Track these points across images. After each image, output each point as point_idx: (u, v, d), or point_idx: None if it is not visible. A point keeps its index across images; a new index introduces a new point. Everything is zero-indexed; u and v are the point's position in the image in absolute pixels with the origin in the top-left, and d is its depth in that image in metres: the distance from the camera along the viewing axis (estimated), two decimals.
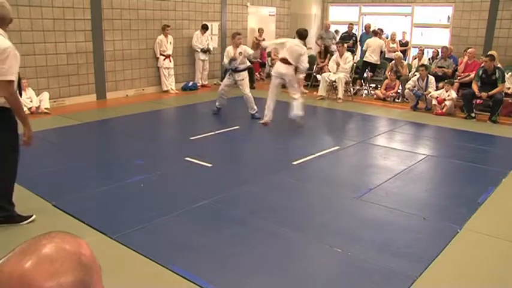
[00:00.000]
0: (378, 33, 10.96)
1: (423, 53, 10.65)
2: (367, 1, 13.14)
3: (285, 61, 7.05)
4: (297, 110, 7.18)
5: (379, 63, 10.67)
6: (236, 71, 7.68)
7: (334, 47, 10.87)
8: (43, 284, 0.70)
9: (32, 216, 3.71)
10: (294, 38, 7.29)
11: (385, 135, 7.06)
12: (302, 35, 7.21)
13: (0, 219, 3.58)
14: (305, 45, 7.50)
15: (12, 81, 3.23)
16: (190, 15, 10.63)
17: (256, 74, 11.82)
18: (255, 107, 7.73)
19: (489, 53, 8.62)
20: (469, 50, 9.27)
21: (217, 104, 7.96)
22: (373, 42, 10.73)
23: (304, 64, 7.07)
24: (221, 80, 11.27)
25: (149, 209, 4.00)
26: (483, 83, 8.08)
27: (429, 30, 12.98)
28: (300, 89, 7.31)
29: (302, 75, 7.49)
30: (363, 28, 12.59)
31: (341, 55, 9.72)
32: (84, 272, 0.74)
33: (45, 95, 7.80)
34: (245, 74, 7.79)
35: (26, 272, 0.70)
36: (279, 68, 7.14)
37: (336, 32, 12.74)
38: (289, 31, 13.47)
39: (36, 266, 0.71)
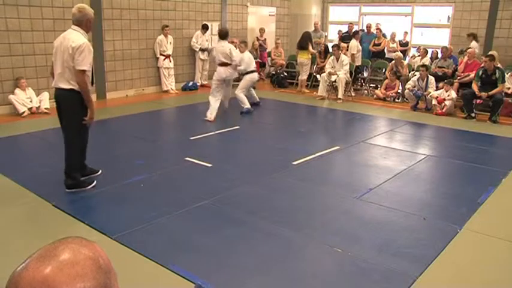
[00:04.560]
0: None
1: (426, 52, 10.63)
2: (367, 1, 13.14)
3: (222, 64, 7.61)
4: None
5: None
6: None
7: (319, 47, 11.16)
8: (69, 287, 0.68)
9: (94, 182, 4.49)
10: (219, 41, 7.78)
11: (385, 135, 7.05)
12: (220, 34, 7.71)
13: (69, 185, 4.31)
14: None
15: (84, 70, 4.00)
16: (190, 15, 10.63)
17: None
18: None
19: (489, 53, 8.62)
20: (469, 50, 9.27)
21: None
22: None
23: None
24: None
25: (149, 209, 4.00)
26: (483, 83, 8.07)
27: (429, 30, 12.98)
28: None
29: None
30: (364, 28, 12.59)
31: (337, 59, 9.71)
32: (104, 275, 0.74)
33: (45, 95, 7.80)
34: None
35: (49, 277, 0.68)
36: (221, 73, 7.62)
37: (339, 32, 12.73)
38: (289, 31, 13.49)
39: (57, 270, 0.69)
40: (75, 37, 4.05)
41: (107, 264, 0.76)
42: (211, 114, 7.44)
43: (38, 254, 0.73)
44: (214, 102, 7.53)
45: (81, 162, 4.46)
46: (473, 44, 10.11)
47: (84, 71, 4.01)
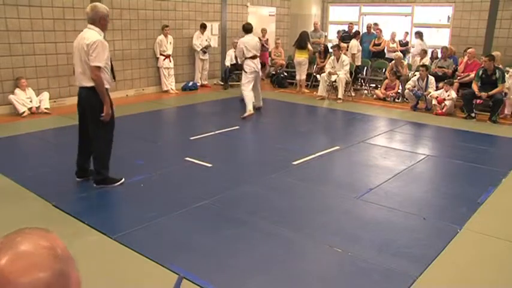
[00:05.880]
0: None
1: (426, 53, 10.63)
2: (367, 1, 13.14)
3: (253, 57, 7.90)
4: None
5: None
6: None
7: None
8: (22, 279, 0.69)
9: (122, 179, 4.55)
10: (243, 36, 8.11)
11: (385, 135, 7.05)
12: (245, 29, 8.11)
13: (97, 180, 4.44)
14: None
15: (99, 66, 4.11)
16: (190, 15, 10.63)
17: None
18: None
19: (493, 53, 8.60)
20: (469, 50, 9.27)
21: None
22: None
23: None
24: (221, 80, 11.31)
25: (149, 209, 4.00)
26: (483, 83, 8.08)
27: (429, 30, 12.97)
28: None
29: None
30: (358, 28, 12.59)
31: (337, 59, 9.70)
32: (62, 263, 0.74)
33: (45, 95, 7.81)
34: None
35: (5, 268, 0.69)
36: (253, 65, 7.91)
37: (338, 32, 12.72)
38: (289, 31, 13.48)
39: (14, 262, 0.70)
40: (90, 35, 4.17)
41: (65, 254, 0.76)
42: (249, 107, 7.75)
43: None
44: (249, 93, 7.85)
45: (109, 158, 4.51)
46: (417, 41, 10.88)
47: (99, 68, 4.12)
